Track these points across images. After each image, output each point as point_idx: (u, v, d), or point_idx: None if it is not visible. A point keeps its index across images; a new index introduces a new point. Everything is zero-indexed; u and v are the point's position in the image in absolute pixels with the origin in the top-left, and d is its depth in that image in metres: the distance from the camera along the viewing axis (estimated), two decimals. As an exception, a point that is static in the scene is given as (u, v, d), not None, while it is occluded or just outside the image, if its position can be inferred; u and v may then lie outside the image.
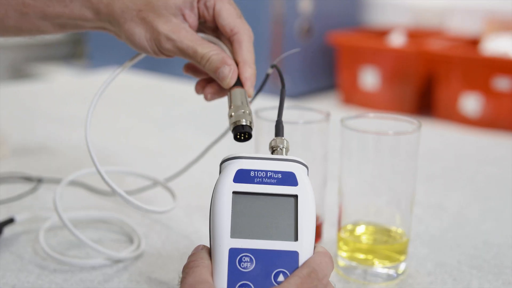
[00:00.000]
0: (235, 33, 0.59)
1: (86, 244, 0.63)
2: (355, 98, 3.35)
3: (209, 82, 0.61)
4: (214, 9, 0.59)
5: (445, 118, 3.04)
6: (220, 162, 0.50)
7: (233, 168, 0.48)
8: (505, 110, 2.86)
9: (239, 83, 0.57)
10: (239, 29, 0.59)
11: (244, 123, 0.53)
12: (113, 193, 0.82)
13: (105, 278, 0.62)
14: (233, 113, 0.54)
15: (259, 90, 0.63)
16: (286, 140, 0.52)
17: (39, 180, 0.86)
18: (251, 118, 0.54)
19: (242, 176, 0.47)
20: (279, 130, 0.54)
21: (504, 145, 1.16)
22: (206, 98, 0.61)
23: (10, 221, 0.70)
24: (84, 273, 0.63)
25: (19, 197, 0.81)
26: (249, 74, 0.58)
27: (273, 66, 0.60)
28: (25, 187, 0.85)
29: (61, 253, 0.66)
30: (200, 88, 0.62)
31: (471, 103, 2.95)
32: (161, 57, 0.59)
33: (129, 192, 0.73)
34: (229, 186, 0.47)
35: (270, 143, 0.53)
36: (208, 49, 0.57)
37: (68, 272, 0.63)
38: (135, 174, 0.78)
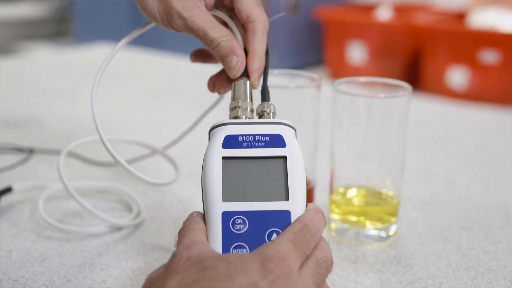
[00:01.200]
0: (251, 21, 0.56)
1: (90, 212, 0.63)
2: (342, 72, 3.35)
3: (218, 76, 0.59)
4: None
5: (432, 91, 3.06)
6: (208, 129, 0.50)
7: (221, 134, 0.48)
8: (491, 83, 2.88)
9: (245, 73, 0.55)
10: (255, 17, 0.56)
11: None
12: (105, 163, 0.82)
13: (100, 242, 0.62)
14: (234, 107, 0.53)
15: (265, 74, 0.57)
16: (272, 105, 0.53)
17: (31, 151, 0.86)
18: (252, 115, 0.53)
19: (230, 141, 0.48)
20: (265, 95, 0.55)
21: (491, 115, 1.17)
22: (219, 93, 0.60)
23: (7, 190, 0.70)
24: (81, 240, 0.63)
25: (12, 167, 0.81)
26: (257, 66, 0.55)
27: None
28: (16, 157, 0.85)
29: (59, 221, 0.67)
30: (212, 86, 0.60)
31: (457, 76, 2.97)
32: (170, 30, 0.58)
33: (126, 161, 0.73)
34: (219, 152, 0.48)
35: (257, 108, 0.53)
36: (219, 33, 0.55)
37: (63, 239, 0.63)
38: (136, 143, 0.78)
